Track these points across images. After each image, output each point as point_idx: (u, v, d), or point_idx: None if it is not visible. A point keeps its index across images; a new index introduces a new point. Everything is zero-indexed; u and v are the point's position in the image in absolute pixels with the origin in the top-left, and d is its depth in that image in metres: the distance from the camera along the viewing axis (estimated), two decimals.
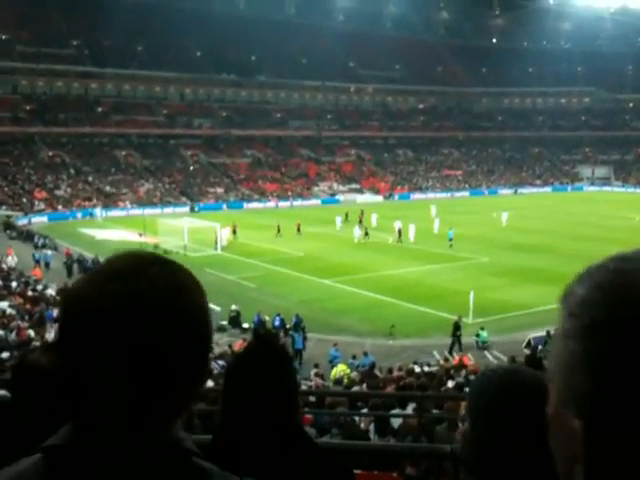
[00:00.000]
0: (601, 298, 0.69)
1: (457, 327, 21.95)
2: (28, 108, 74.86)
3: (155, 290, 0.90)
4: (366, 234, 42.53)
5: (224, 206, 66.61)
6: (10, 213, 54.15)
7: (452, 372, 14.62)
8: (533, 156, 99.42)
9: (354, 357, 19.15)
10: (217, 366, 14.79)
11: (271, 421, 1.64)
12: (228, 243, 41.47)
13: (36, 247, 41.88)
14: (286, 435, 1.67)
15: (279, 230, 44.59)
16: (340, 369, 17.52)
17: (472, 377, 13.51)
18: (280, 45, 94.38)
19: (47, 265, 35.88)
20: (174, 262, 0.99)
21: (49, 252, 38.18)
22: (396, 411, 8.71)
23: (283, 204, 68.83)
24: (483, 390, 1.32)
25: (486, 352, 21.81)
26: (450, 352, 21.02)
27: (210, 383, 11.68)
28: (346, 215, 50.88)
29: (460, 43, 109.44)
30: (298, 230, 45.18)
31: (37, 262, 35.73)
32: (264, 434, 1.63)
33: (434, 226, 45.51)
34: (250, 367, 1.67)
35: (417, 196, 76.98)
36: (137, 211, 59.76)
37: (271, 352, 1.70)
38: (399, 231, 42.34)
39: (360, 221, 48.05)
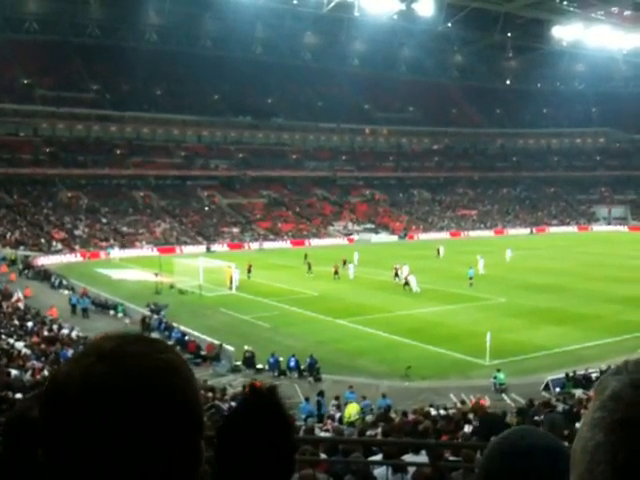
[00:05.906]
0: (635, 396, 0.71)
1: None
2: (48, 150, 76.26)
3: (140, 372, 0.91)
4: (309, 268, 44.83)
5: (240, 245, 66.95)
6: (28, 253, 54.70)
7: (469, 415, 14.37)
8: (548, 196, 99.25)
9: (364, 398, 18.92)
10: (225, 408, 14.64)
11: None
12: (241, 283, 41.37)
13: (52, 287, 42.23)
14: None
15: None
16: (352, 408, 17.29)
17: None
18: (296, 89, 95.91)
19: (84, 311, 33.81)
20: (159, 342, 0.99)
21: (87, 299, 35.43)
22: (409, 456, 8.55)
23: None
24: (493, 455, 1.29)
25: (504, 395, 21.42)
26: None
27: None
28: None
29: (474, 85, 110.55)
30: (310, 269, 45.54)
31: (73, 307, 34.28)
32: None
33: (479, 266, 44.23)
34: (243, 427, 1.55)
35: (432, 235, 76.95)
36: (153, 251, 60.23)
37: (266, 410, 1.58)
38: (395, 271, 41.37)
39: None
